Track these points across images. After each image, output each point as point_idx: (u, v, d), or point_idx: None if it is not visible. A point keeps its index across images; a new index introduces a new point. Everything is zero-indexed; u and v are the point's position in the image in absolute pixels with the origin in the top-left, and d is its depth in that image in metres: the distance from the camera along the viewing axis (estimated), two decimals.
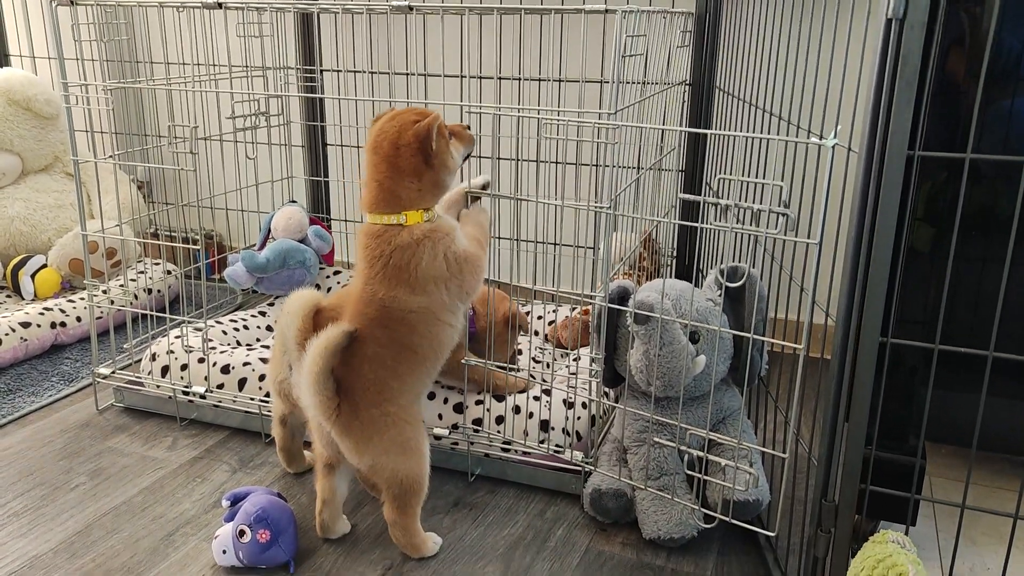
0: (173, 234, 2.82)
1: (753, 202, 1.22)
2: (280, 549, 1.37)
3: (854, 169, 1.08)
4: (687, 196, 1.30)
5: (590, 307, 2.11)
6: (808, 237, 1.20)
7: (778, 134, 1.27)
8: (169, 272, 2.55)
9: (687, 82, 2.17)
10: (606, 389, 1.73)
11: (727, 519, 1.39)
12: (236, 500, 1.43)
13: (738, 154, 1.81)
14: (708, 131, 1.28)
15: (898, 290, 1.21)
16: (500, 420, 1.66)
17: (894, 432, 1.31)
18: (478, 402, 1.68)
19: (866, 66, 1.03)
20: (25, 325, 2.17)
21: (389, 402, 1.35)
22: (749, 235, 1.54)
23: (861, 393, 1.10)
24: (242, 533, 1.36)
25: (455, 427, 1.68)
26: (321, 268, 2.50)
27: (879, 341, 1.08)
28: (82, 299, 2.35)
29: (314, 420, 1.38)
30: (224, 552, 1.38)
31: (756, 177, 1.25)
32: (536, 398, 1.67)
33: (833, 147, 1.13)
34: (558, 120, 1.44)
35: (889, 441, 1.31)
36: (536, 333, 2.18)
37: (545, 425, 1.63)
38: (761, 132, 1.51)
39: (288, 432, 1.63)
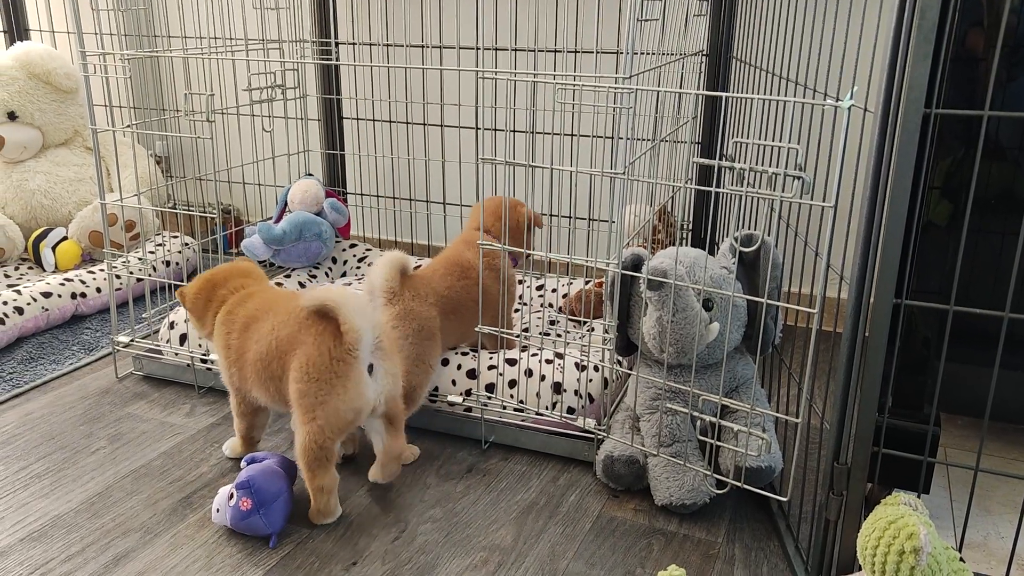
0: (191, 209, 2.84)
1: (768, 167, 1.21)
2: (260, 520, 1.36)
3: (870, 129, 1.07)
4: (702, 160, 1.29)
5: (603, 280, 2.11)
6: (824, 201, 1.19)
7: (793, 98, 1.26)
8: (187, 244, 2.57)
9: (704, 52, 2.15)
10: (619, 358, 1.73)
11: (740, 485, 1.40)
12: (252, 463, 1.45)
13: (755, 124, 1.80)
14: (723, 94, 1.27)
15: (914, 258, 1.20)
16: (513, 384, 1.67)
17: (908, 401, 1.31)
18: (491, 367, 1.70)
19: (883, 21, 1.02)
20: (46, 295, 2.21)
21: None
22: (764, 204, 1.53)
23: (874, 355, 1.09)
24: (231, 496, 1.38)
25: (468, 393, 1.70)
26: (337, 241, 2.52)
27: (893, 302, 1.07)
28: (102, 270, 2.38)
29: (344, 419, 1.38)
30: (217, 511, 1.40)
31: (768, 143, 1.24)
32: (548, 361, 1.68)
33: (849, 108, 1.12)
34: (573, 85, 1.43)
35: (903, 410, 1.30)
36: (551, 305, 2.19)
37: (558, 387, 1.64)
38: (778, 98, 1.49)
39: None
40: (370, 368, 1.37)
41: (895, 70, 0.99)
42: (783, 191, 1.20)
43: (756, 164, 1.23)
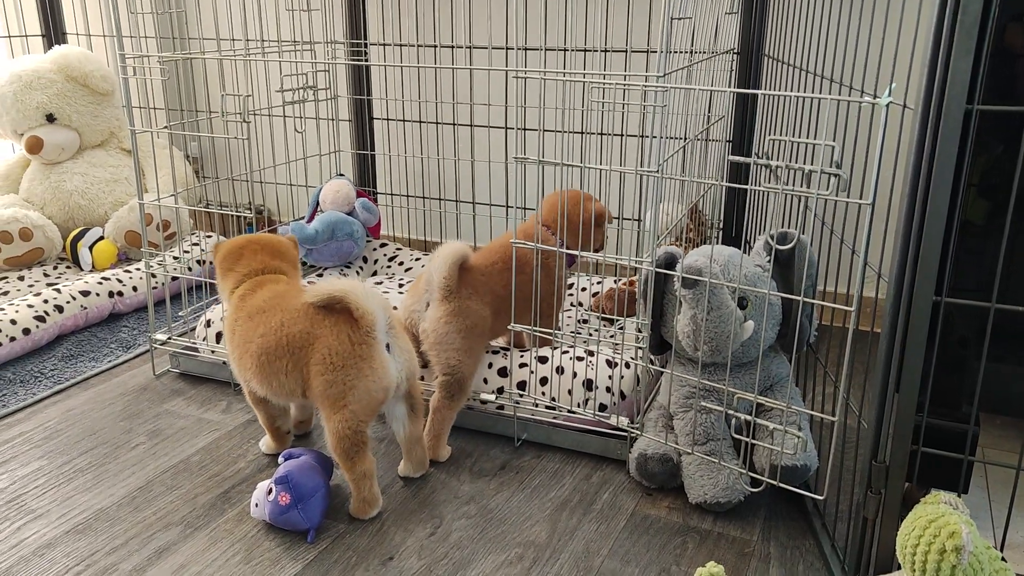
0: (224, 209, 2.88)
1: (805, 164, 1.20)
2: (299, 514, 1.37)
3: (909, 126, 1.06)
4: (737, 158, 1.29)
5: (635, 279, 2.11)
6: (860, 198, 1.18)
7: (830, 95, 1.26)
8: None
9: (735, 50, 2.15)
10: (652, 357, 1.73)
11: (775, 483, 1.39)
12: (289, 459, 1.47)
13: (788, 122, 1.79)
14: (758, 91, 1.27)
15: (952, 256, 1.19)
16: (544, 381, 1.67)
17: (945, 400, 1.30)
18: (522, 365, 1.70)
19: (923, 17, 1.01)
20: (85, 294, 2.25)
21: None
22: (798, 202, 1.53)
23: (914, 353, 1.09)
24: (270, 491, 1.40)
25: (500, 391, 1.71)
26: (368, 240, 2.54)
27: (933, 300, 1.07)
28: (138, 269, 2.42)
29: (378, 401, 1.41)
30: (256, 505, 1.42)
31: (804, 140, 1.24)
32: (580, 359, 1.68)
33: (887, 106, 1.12)
34: (605, 84, 1.44)
35: (941, 408, 1.29)
36: (580, 304, 2.19)
37: (589, 384, 1.64)
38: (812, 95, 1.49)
39: None
40: (387, 347, 1.41)
41: (936, 66, 0.99)
42: (819, 189, 1.20)
43: (791, 162, 1.23)
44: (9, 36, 2.96)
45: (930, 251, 1.05)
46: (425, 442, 1.59)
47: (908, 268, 1.07)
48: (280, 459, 1.48)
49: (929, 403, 1.27)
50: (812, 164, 1.19)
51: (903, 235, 1.07)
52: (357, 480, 1.41)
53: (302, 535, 1.40)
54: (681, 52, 1.55)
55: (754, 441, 1.43)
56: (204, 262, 2.52)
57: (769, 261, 1.48)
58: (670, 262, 1.50)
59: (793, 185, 1.24)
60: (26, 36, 2.99)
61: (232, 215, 2.05)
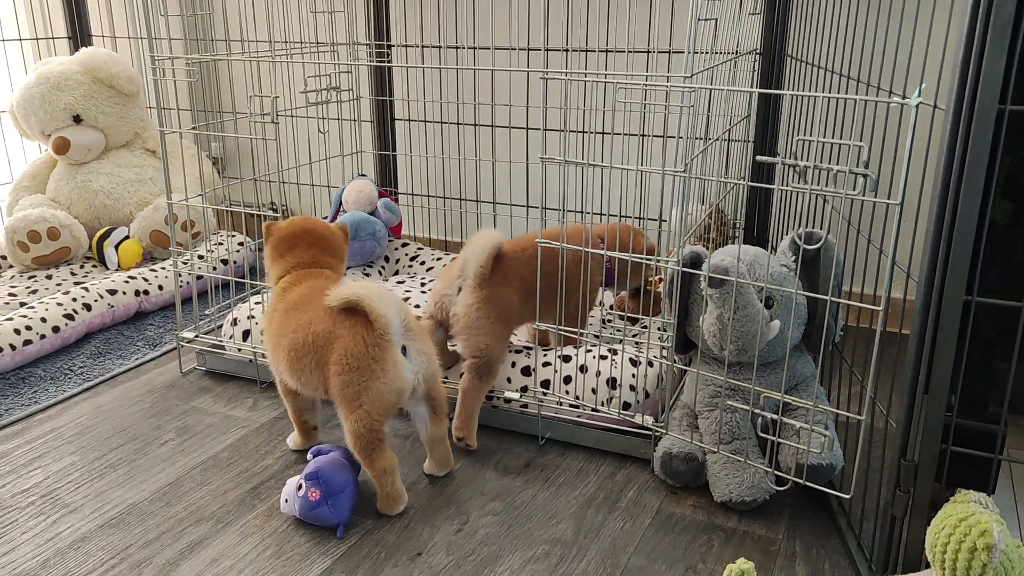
0: (249, 209, 2.91)
1: (833, 165, 1.21)
2: (328, 510, 1.39)
3: (939, 126, 1.07)
4: (765, 158, 1.30)
5: (659, 278, 2.12)
6: (889, 199, 1.19)
7: (858, 96, 1.26)
8: (242, 244, 2.63)
9: (757, 51, 2.15)
10: (676, 356, 1.74)
11: (801, 482, 1.40)
12: (318, 455, 1.49)
13: (812, 122, 1.79)
14: (787, 92, 1.27)
15: (982, 255, 1.19)
16: (568, 380, 1.68)
17: (973, 401, 1.30)
18: (546, 364, 1.72)
19: (955, 18, 1.02)
20: (112, 292, 2.28)
21: None
22: (822, 202, 1.53)
23: (943, 352, 1.09)
24: (300, 487, 1.41)
25: (524, 389, 1.72)
26: (390, 240, 2.56)
27: (963, 299, 1.07)
28: (163, 268, 2.45)
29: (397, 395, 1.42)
30: (286, 501, 1.44)
31: (833, 141, 1.24)
32: (603, 357, 1.69)
33: (917, 106, 1.12)
34: (631, 84, 1.45)
35: (966, 408, 1.29)
36: (602, 304, 2.20)
37: (613, 383, 1.65)
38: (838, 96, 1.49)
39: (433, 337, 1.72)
40: (403, 350, 1.42)
41: (968, 67, 0.99)
42: (847, 189, 1.21)
43: (818, 162, 1.23)
44: (36, 38, 3.00)
45: (961, 251, 1.05)
46: (456, 424, 1.62)
47: (938, 268, 1.08)
48: (309, 455, 1.50)
49: (958, 404, 1.27)
50: (840, 164, 1.20)
51: (933, 235, 1.08)
52: (379, 476, 1.43)
53: (331, 531, 1.42)
54: (710, 53, 1.56)
55: (780, 440, 1.44)
56: (227, 261, 2.55)
57: (795, 261, 1.49)
58: (696, 261, 1.51)
59: (819, 185, 1.25)
60: (52, 38, 3.03)
61: (256, 214, 2.07)
